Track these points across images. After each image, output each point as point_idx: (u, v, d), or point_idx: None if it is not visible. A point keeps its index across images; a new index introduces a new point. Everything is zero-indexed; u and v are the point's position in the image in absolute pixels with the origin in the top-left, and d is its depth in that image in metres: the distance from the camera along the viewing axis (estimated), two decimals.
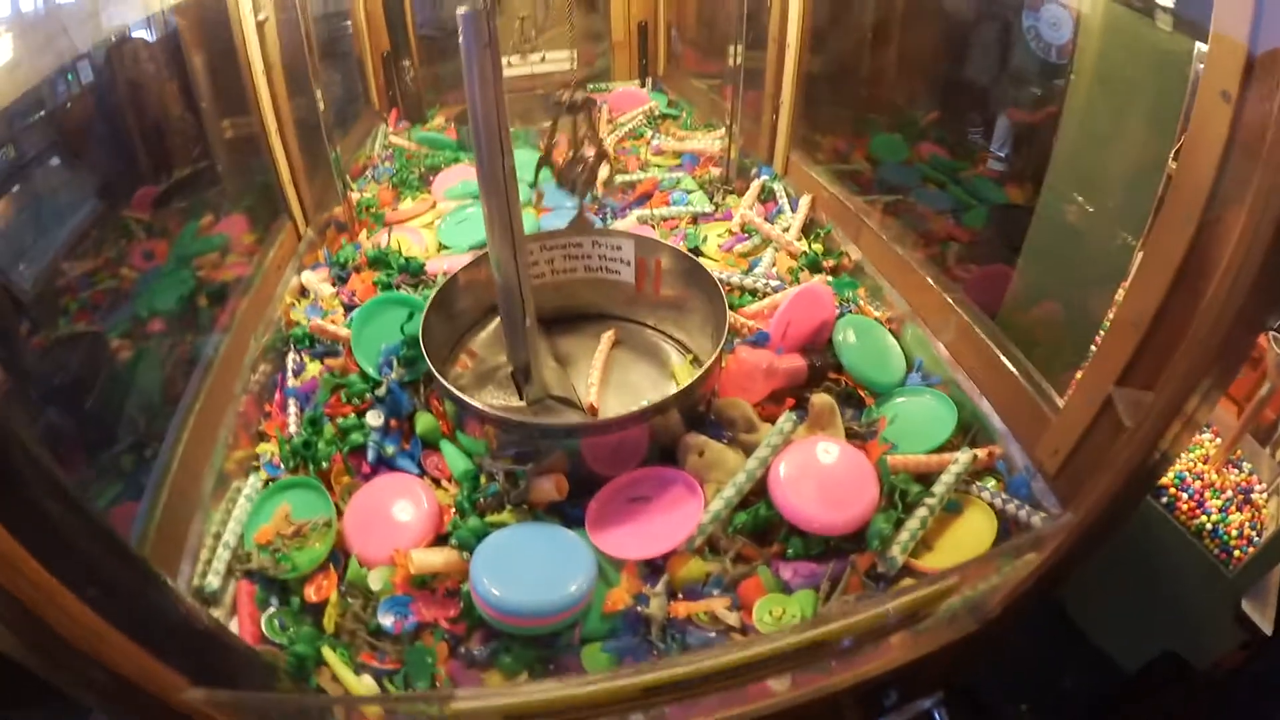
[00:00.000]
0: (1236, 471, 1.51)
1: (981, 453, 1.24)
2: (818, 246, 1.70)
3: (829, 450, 1.20)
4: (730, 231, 1.78)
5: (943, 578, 0.94)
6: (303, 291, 1.65)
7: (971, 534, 1.18)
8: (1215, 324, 0.81)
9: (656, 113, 2.29)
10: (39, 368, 1.12)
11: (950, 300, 1.42)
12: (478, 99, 1.03)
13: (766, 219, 1.79)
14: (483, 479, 1.23)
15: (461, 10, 0.97)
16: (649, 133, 2.21)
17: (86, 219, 1.24)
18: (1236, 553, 1.39)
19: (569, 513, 1.21)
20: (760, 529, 1.18)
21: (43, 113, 1.17)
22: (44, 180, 1.19)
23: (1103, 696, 1.75)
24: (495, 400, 1.40)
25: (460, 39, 0.99)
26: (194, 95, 1.51)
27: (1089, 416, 1.08)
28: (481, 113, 1.04)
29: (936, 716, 1.12)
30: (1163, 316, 0.94)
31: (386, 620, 1.09)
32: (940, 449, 1.29)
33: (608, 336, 1.50)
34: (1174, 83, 1.06)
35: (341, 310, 1.56)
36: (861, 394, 1.38)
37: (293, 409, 1.39)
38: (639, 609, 1.09)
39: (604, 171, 1.49)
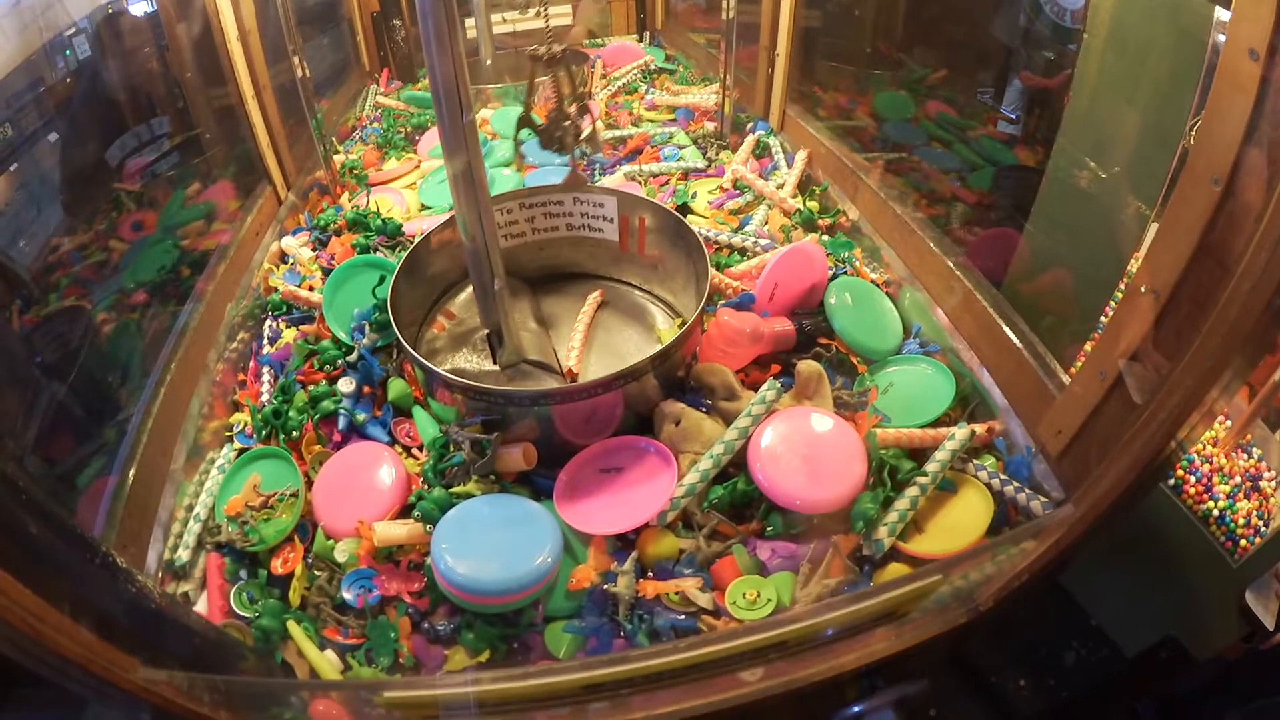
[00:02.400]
0: (1246, 457, 1.40)
1: (980, 428, 1.15)
2: (813, 204, 1.59)
3: (815, 421, 1.10)
4: (722, 188, 1.68)
5: (923, 575, 0.84)
6: (282, 256, 1.57)
7: (966, 516, 1.08)
8: (1241, 313, 0.72)
9: (652, 67, 2.18)
10: (24, 344, 1.09)
11: (952, 265, 1.30)
12: (434, 51, 0.94)
13: (761, 175, 1.68)
14: (450, 448, 1.14)
15: None
16: (643, 87, 2.11)
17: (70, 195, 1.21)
18: (1243, 542, 1.29)
19: (538, 483, 1.13)
20: (738, 505, 1.09)
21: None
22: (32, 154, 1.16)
23: (1102, 677, 1.67)
24: (470, 364, 1.31)
25: None
26: (177, 65, 1.46)
27: (1097, 395, 0.98)
28: (439, 67, 0.95)
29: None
30: (1183, 286, 0.85)
31: (349, 594, 1.03)
32: (936, 422, 1.19)
33: (593, 298, 1.40)
34: (1191, 49, 0.99)
35: (320, 274, 1.48)
36: (854, 361, 1.27)
37: (267, 377, 1.33)
38: (606, 587, 1.00)
39: (587, 128, 1.39)
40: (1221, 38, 0.90)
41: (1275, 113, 0.72)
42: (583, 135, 1.32)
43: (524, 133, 1.32)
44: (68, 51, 1.21)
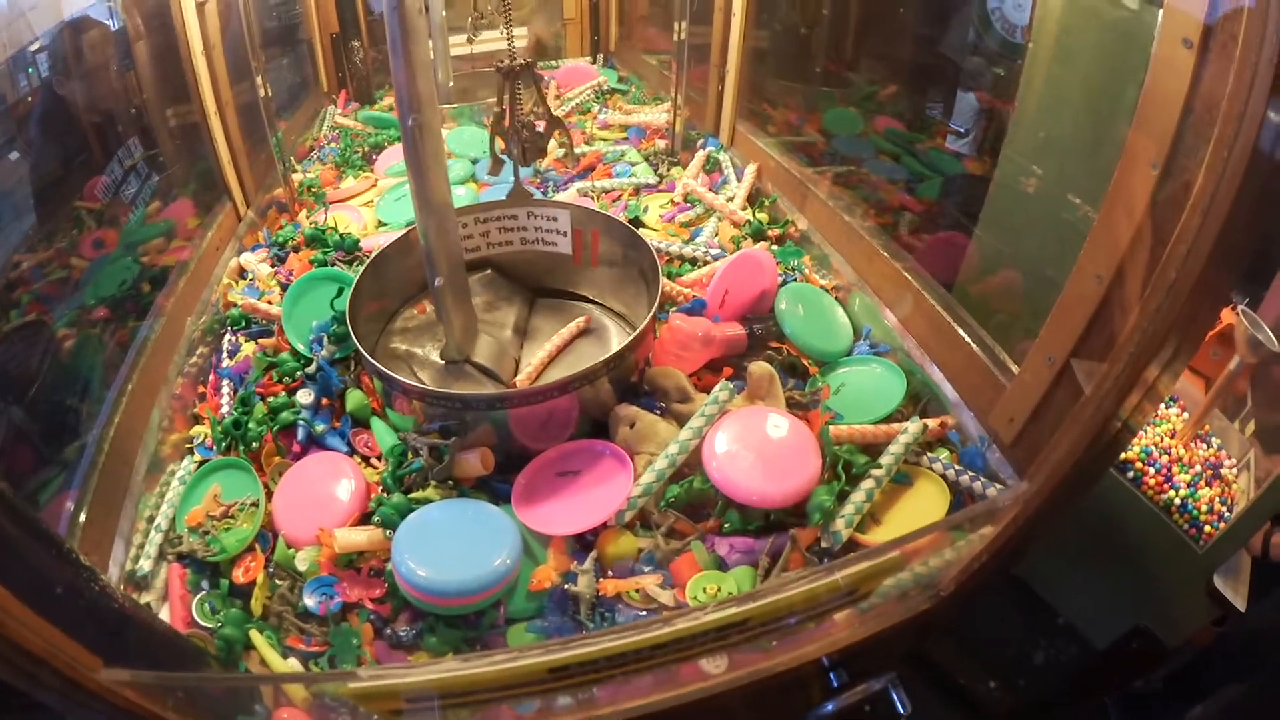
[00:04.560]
0: (1205, 446, 1.42)
1: (933, 423, 1.15)
2: (762, 215, 1.59)
3: (767, 420, 1.09)
4: (673, 202, 1.67)
5: (885, 549, 0.83)
6: (241, 273, 1.54)
7: (923, 507, 1.08)
8: (1173, 290, 0.73)
9: (605, 88, 2.18)
10: None
11: (901, 268, 1.31)
12: (395, 54, 0.94)
13: (711, 189, 1.68)
14: (408, 455, 1.12)
15: None
16: (596, 107, 2.11)
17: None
18: (1207, 528, 1.31)
19: (496, 488, 1.11)
20: (694, 504, 1.07)
21: None
22: None
23: (1074, 672, 1.67)
24: (420, 351, 1.29)
25: None
26: (139, 83, 1.43)
27: (1046, 381, 0.99)
28: (399, 72, 0.95)
29: (894, 695, 1.01)
30: (1126, 267, 0.86)
31: (311, 601, 1.00)
32: (889, 419, 1.18)
33: (577, 323, 1.37)
34: (1135, 55, 1.00)
35: (279, 290, 1.45)
36: (805, 363, 1.27)
37: (226, 390, 1.29)
38: (566, 587, 0.99)
39: (556, 148, 1.38)
40: None
41: (1208, 96, 0.73)
42: (552, 151, 1.31)
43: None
44: (30, 69, 1.18)
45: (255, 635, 0.98)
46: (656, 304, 1.18)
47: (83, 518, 1.00)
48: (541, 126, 1.32)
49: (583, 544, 1.04)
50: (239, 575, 1.04)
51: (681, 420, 1.12)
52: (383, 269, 1.32)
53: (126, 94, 1.42)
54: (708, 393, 1.13)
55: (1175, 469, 1.38)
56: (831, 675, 1.03)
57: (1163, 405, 1.51)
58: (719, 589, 0.98)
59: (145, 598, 1.02)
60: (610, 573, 1.01)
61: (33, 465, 1.05)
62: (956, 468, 1.09)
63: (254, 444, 1.18)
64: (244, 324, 1.40)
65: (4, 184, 1.14)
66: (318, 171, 1.86)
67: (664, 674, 0.93)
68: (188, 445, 1.23)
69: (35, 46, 1.19)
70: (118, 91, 1.40)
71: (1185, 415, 1.47)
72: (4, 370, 1.08)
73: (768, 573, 1.00)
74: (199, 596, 1.03)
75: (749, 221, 1.55)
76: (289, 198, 1.71)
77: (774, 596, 0.78)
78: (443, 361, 1.24)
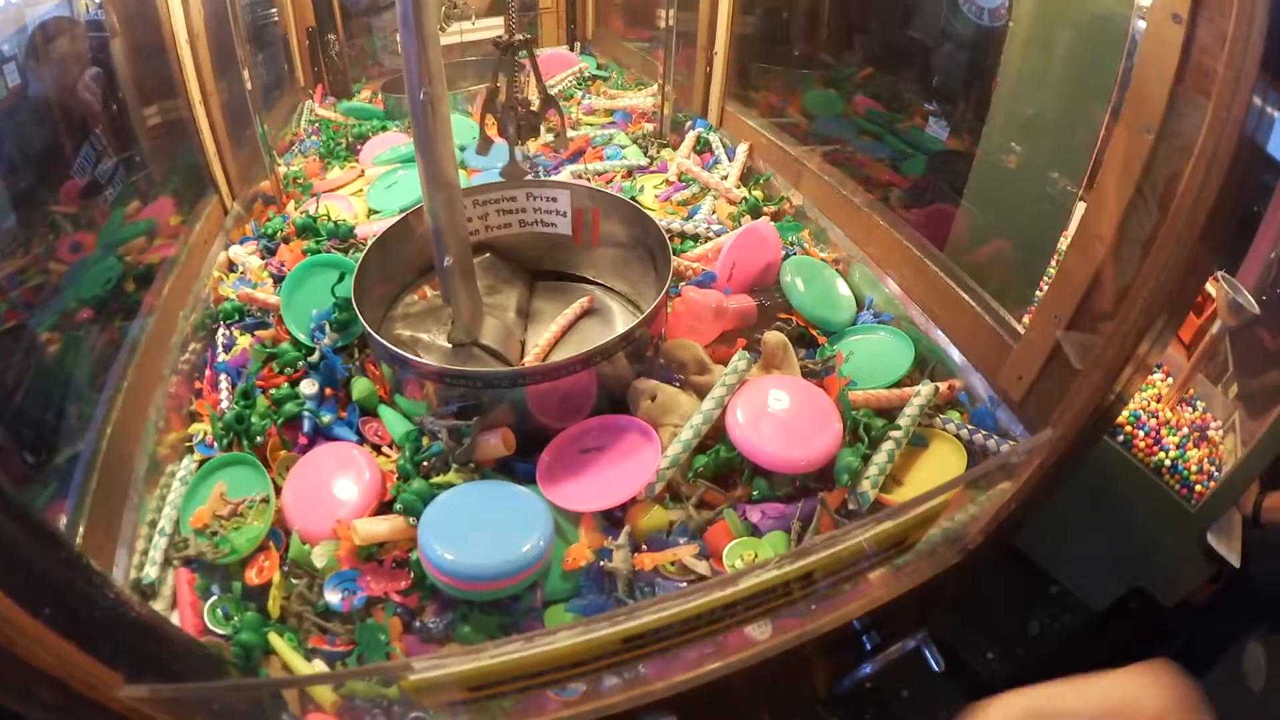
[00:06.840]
0: (1190, 410, 1.44)
1: (942, 386, 1.14)
2: (758, 192, 1.57)
3: (786, 387, 1.07)
4: (668, 181, 1.65)
5: (926, 498, 0.82)
6: (230, 266, 1.47)
7: (941, 467, 1.07)
8: (1180, 234, 0.75)
9: (586, 74, 2.15)
10: None
11: (900, 238, 1.30)
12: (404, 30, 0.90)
13: (704, 169, 1.66)
14: (424, 440, 1.07)
15: None
16: (579, 93, 2.07)
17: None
18: (1198, 487, 1.32)
19: (518, 469, 1.06)
20: (722, 472, 1.05)
21: None
22: None
23: (1070, 637, 1.67)
24: (426, 336, 1.25)
25: None
26: (118, 78, 1.36)
27: (1053, 338, 0.99)
28: (408, 46, 0.91)
29: (926, 653, 1.00)
30: (1125, 227, 0.87)
31: (334, 597, 0.94)
32: (898, 384, 1.18)
33: (581, 303, 1.34)
34: (1112, 33, 1.04)
35: (271, 282, 1.39)
36: (813, 333, 1.26)
37: (224, 385, 1.23)
38: (602, 564, 0.95)
39: (545, 132, 1.33)
40: (1140, 24, 0.96)
41: (1196, 68, 0.75)
42: (544, 130, 1.26)
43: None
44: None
45: (275, 638, 0.92)
46: (670, 277, 1.14)
47: (82, 526, 0.93)
48: (535, 105, 1.28)
49: (612, 521, 1.01)
50: (252, 576, 0.98)
51: (701, 392, 1.09)
52: (384, 252, 1.26)
53: (102, 95, 1.33)
54: (724, 364, 1.11)
55: (1164, 431, 1.39)
56: (865, 638, 1.02)
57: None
58: (755, 555, 0.95)
59: (154, 606, 0.95)
60: (645, 546, 0.98)
61: (21, 476, 0.97)
62: (969, 428, 1.09)
63: (258, 439, 1.11)
64: (237, 317, 1.34)
65: None
66: (301, 164, 1.79)
67: (711, 645, 0.91)
68: (187, 444, 1.16)
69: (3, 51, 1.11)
70: (92, 93, 1.31)
71: (1170, 380, 1.49)
72: None
73: (800, 537, 0.98)
74: (210, 601, 0.96)
75: (745, 199, 1.53)
76: (275, 190, 1.65)
77: (829, 550, 0.76)
78: (449, 345, 1.20)
